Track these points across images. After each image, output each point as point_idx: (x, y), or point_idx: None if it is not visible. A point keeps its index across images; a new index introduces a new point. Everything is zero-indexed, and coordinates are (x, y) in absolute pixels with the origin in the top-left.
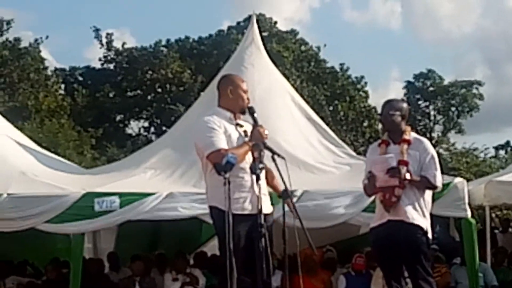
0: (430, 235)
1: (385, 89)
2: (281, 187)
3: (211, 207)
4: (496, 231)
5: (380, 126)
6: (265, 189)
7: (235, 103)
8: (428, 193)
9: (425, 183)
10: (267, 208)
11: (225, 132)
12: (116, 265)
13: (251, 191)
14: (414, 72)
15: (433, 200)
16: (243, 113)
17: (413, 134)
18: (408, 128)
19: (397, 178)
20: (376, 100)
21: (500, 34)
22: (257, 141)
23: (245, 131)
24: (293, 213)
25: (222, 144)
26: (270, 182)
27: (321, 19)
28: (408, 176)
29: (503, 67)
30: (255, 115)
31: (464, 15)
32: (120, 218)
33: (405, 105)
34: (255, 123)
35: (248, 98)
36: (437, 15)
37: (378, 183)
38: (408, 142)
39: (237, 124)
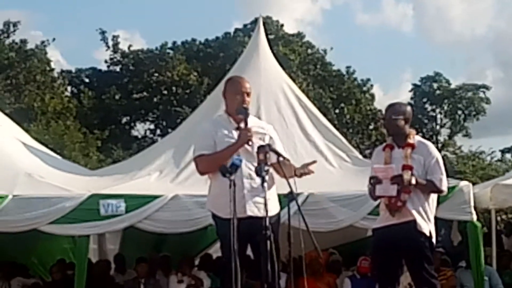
0: (434, 239)
1: (396, 91)
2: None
3: (209, 210)
4: (503, 234)
5: (384, 129)
6: (269, 193)
7: (230, 106)
8: (433, 197)
9: (431, 187)
10: (269, 210)
11: (216, 136)
12: (122, 267)
13: (242, 195)
14: (427, 74)
15: (439, 203)
16: (237, 114)
17: (418, 138)
18: (413, 132)
19: (396, 188)
20: (387, 103)
21: None
22: (241, 143)
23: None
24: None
25: (205, 150)
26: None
27: (332, 21)
28: (413, 180)
29: None
30: (246, 117)
31: (477, 17)
32: (126, 223)
33: (408, 108)
34: (245, 124)
35: (244, 100)
36: (449, 18)
37: (377, 192)
38: (412, 146)
39: (237, 128)
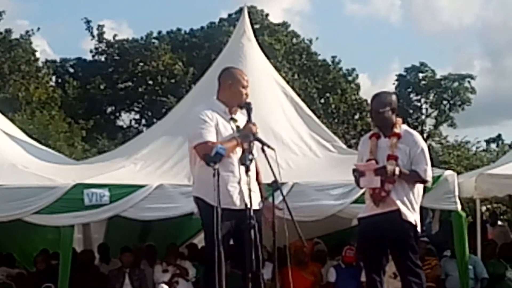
0: (419, 228)
1: (384, 81)
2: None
3: (197, 198)
4: (487, 224)
5: (371, 120)
6: (255, 184)
7: (232, 97)
8: (418, 187)
9: (415, 177)
10: (256, 203)
11: (216, 125)
12: (106, 257)
13: (240, 186)
14: (412, 64)
15: (424, 192)
16: (241, 108)
17: (404, 127)
18: (399, 121)
19: (380, 180)
20: (375, 92)
21: (501, 26)
22: (246, 137)
23: (237, 126)
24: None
25: (211, 136)
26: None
27: (321, 11)
28: (397, 171)
29: (503, 59)
30: (250, 111)
31: (465, 6)
32: (110, 213)
33: (393, 97)
34: (249, 120)
35: (247, 94)
36: (437, 7)
37: (362, 184)
38: (398, 136)
39: (231, 119)
